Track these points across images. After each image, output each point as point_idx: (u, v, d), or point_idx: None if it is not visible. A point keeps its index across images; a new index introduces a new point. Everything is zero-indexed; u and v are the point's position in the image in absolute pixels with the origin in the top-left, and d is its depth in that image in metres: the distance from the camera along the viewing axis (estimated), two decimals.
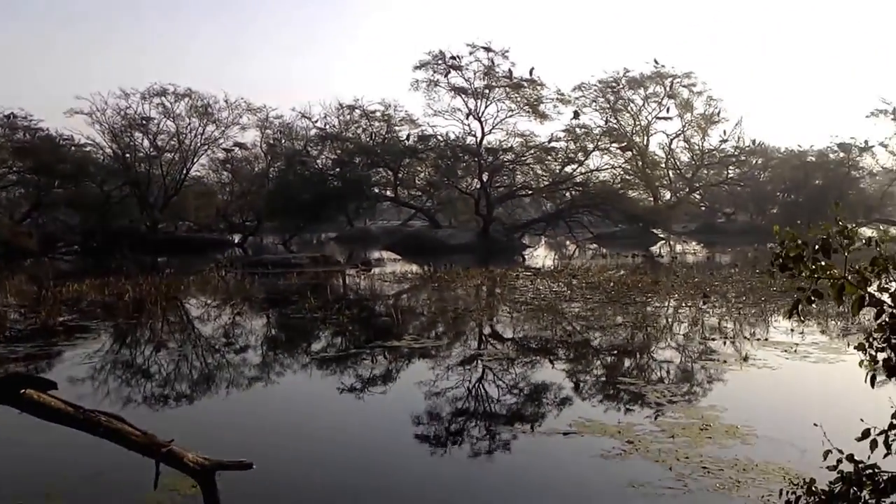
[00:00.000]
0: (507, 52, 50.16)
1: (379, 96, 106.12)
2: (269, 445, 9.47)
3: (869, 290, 4.79)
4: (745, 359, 14.24)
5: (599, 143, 53.07)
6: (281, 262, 35.68)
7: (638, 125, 66.97)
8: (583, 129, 53.44)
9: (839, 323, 18.43)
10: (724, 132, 66.71)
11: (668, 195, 67.84)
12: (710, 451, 9.08)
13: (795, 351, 15.00)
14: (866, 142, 64.15)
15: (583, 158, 52.16)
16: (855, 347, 5.13)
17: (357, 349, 15.97)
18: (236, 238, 54.44)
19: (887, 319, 4.79)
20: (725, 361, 14.10)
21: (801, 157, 66.10)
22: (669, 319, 19.77)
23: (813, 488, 5.21)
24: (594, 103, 64.54)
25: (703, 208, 71.90)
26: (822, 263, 4.86)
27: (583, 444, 9.49)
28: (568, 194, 51.56)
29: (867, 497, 4.92)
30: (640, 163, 61.03)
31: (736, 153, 66.98)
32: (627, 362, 14.73)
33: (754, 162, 68.89)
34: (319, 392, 12.97)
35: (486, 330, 18.74)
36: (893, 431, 4.88)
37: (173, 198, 52.70)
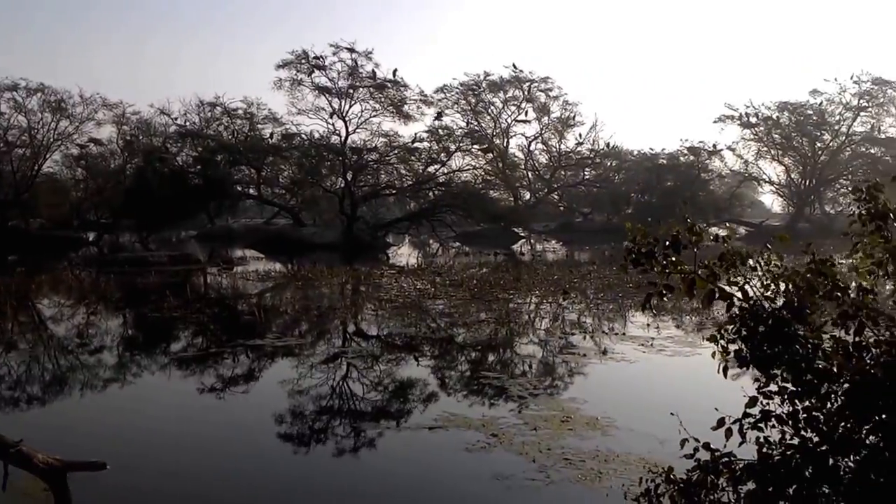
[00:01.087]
0: (370, 53, 50.43)
1: (242, 94, 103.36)
2: (125, 448, 9.02)
3: (719, 284, 4.95)
4: (604, 352, 14.66)
5: (461, 144, 53.86)
6: (139, 261, 34.33)
7: (498, 127, 68.24)
8: (445, 131, 54.01)
9: (693, 318, 19.30)
10: (581, 135, 68.76)
11: (527, 195, 69.44)
12: (572, 442, 9.25)
13: (652, 345, 15.57)
14: (714, 145, 67.57)
15: (445, 159, 52.68)
16: (707, 339, 5.31)
17: (218, 348, 15.47)
18: (91, 236, 52.05)
19: (738, 312, 4.96)
20: (585, 355, 14.47)
21: (654, 159, 68.87)
22: (531, 315, 20.14)
23: (672, 476, 5.33)
24: (456, 105, 65.35)
25: (562, 208, 73.86)
26: (673, 259, 5.00)
27: (448, 439, 9.50)
28: (431, 194, 51.88)
29: (724, 484, 5.07)
30: (501, 164, 62.18)
31: (591, 155, 69.16)
32: (491, 357, 14.89)
33: (609, 164, 71.32)
34: (179, 392, 12.45)
35: (351, 328, 18.57)
36: (748, 420, 5.05)
37: (24, 194, 50.42)
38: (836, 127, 67.27)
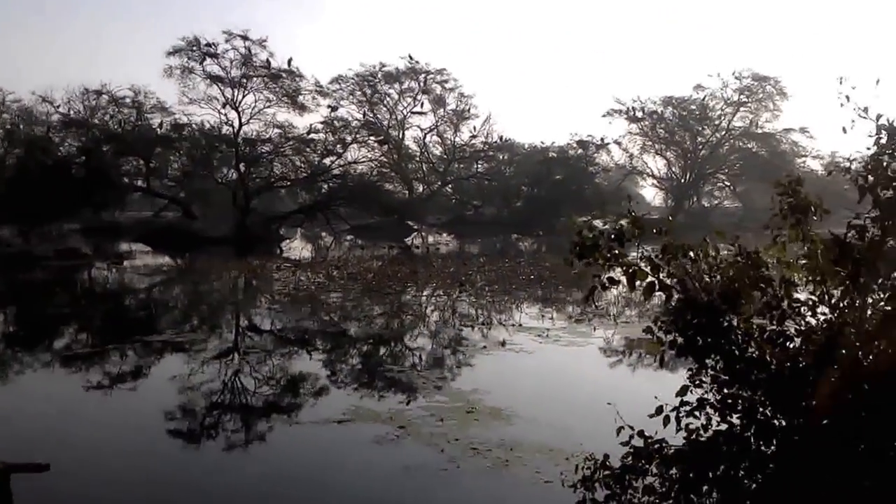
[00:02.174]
0: (264, 41, 49.20)
1: (130, 82, 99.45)
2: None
3: (659, 276, 5.21)
4: (503, 344, 14.99)
5: (357, 136, 53.52)
6: (20, 256, 32.80)
7: (394, 119, 68.10)
8: (341, 122, 53.60)
9: (585, 309, 19.88)
10: (475, 128, 69.30)
11: (421, 188, 69.63)
12: (478, 432, 9.48)
13: (548, 335, 16.02)
14: (602, 139, 69.39)
15: (341, 151, 52.31)
16: (643, 330, 5.57)
17: (106, 345, 15.01)
18: None
19: (675, 303, 5.23)
20: (485, 347, 14.76)
21: (544, 153, 70.08)
22: (429, 308, 20.38)
23: (607, 463, 5.59)
24: (352, 96, 64.76)
25: (454, 201, 74.40)
26: (616, 252, 5.25)
27: (357, 431, 9.58)
28: (326, 186, 51.46)
29: (654, 469, 5.36)
30: (397, 156, 62.17)
31: (485, 148, 69.88)
32: (393, 351, 15.03)
33: (501, 157, 72.18)
34: (63, 391, 12.05)
35: (245, 322, 18.35)
36: (685, 408, 5.33)
37: None
38: (717, 122, 70.17)
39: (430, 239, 54.37)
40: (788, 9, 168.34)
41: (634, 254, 5.45)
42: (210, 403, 11.14)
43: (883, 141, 5.17)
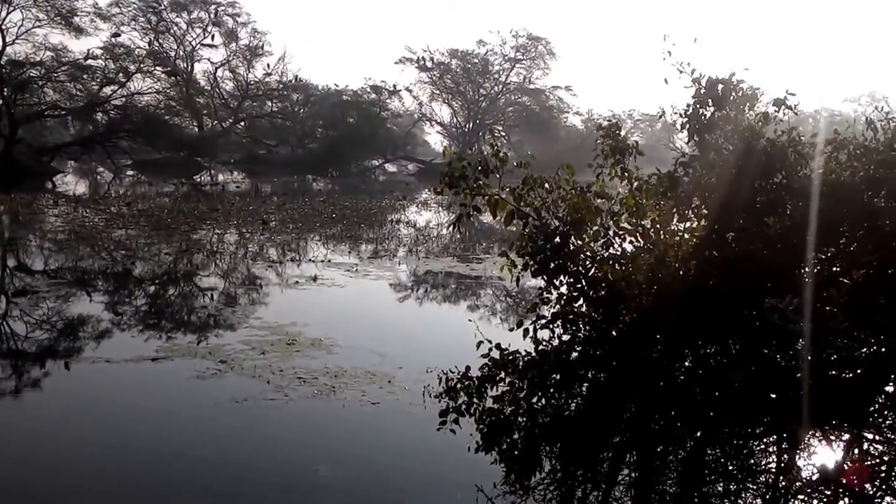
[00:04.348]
0: None
1: None
2: None
3: (519, 206, 5.59)
4: (315, 279, 15.08)
5: (142, 66, 50.46)
6: None
7: (182, 50, 64.87)
8: (123, 49, 50.27)
9: (390, 245, 20.33)
10: (269, 66, 67.60)
11: (212, 124, 67.16)
12: (301, 362, 9.59)
13: (357, 270, 16.30)
14: (395, 86, 70.53)
15: (123, 80, 49.11)
16: (499, 254, 5.96)
17: None
18: None
19: (531, 230, 5.63)
20: (297, 282, 14.79)
21: (339, 95, 70.06)
22: (236, 246, 19.99)
23: (468, 374, 5.96)
24: (135, 22, 60.81)
25: (247, 140, 72.48)
26: (480, 182, 5.54)
27: (176, 368, 9.37)
28: (106, 117, 48.29)
29: (507, 377, 5.80)
30: (185, 90, 59.43)
31: (279, 87, 68.39)
32: (205, 288, 14.63)
33: (296, 98, 71.08)
34: None
35: (13, 263, 17.11)
36: (542, 321, 5.76)
37: None
38: (496, 76, 75.88)
39: (221, 178, 52.76)
40: None
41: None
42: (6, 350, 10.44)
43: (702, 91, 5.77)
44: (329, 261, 17.34)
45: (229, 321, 11.80)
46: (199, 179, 49.05)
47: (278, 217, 25.77)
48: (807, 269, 5.49)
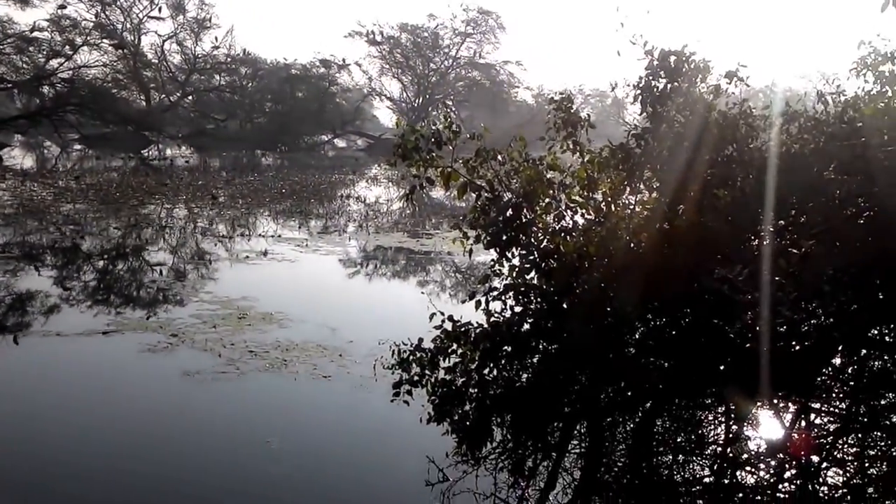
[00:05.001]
0: None
1: None
2: None
3: (472, 178, 5.57)
4: (265, 253, 14.94)
5: (89, 38, 49.14)
6: None
7: (129, 22, 63.33)
8: (70, 21, 48.92)
9: (339, 220, 20.22)
10: (217, 39, 66.35)
11: (160, 98, 65.83)
12: (253, 336, 9.52)
13: (307, 245, 16.19)
14: (344, 60, 69.70)
15: (70, 53, 47.82)
16: (452, 227, 5.93)
17: None
18: None
19: (483, 202, 5.61)
20: (248, 257, 14.63)
21: (288, 69, 69.07)
22: (186, 220, 19.66)
23: (421, 346, 5.95)
24: None
25: (195, 114, 71.24)
26: (433, 155, 5.51)
27: (126, 341, 9.24)
28: (53, 90, 46.99)
29: (459, 349, 5.80)
30: (133, 63, 58.08)
31: (227, 61, 67.23)
32: (153, 262, 14.34)
33: (244, 72, 69.89)
34: None
35: None
36: (494, 293, 5.76)
37: None
38: (446, 51, 75.07)
39: (169, 152, 51.85)
40: None
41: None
42: None
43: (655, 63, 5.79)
44: (279, 236, 17.19)
45: (180, 295, 11.64)
46: (147, 154, 48.17)
47: (227, 192, 25.42)
48: (757, 241, 5.59)
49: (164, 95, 65.24)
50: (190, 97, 66.43)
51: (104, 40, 50.76)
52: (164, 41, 64.99)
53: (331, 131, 70.13)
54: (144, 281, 12.77)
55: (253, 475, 6.04)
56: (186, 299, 11.38)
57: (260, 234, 17.33)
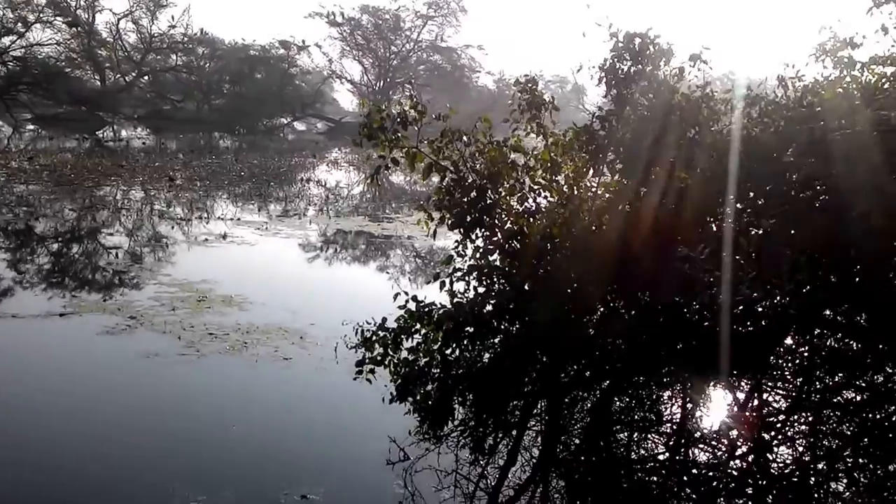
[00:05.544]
0: None
1: None
2: None
3: (437, 159, 5.57)
4: (224, 236, 14.81)
5: (42, 15, 48.09)
6: None
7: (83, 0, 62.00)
8: None
9: (301, 204, 20.10)
10: (173, 17, 65.37)
11: (115, 78, 64.60)
12: (213, 319, 9.45)
13: (267, 228, 16.08)
14: (304, 41, 68.82)
15: (23, 30, 46.74)
16: (416, 208, 5.94)
17: None
18: None
19: (448, 183, 5.63)
20: (207, 240, 14.51)
21: (246, 50, 68.14)
22: (143, 202, 19.37)
23: (384, 325, 5.96)
24: None
25: (151, 95, 70.05)
26: (399, 135, 5.50)
27: (85, 323, 9.14)
28: (5, 69, 45.97)
29: (422, 329, 5.83)
30: (87, 41, 56.90)
31: (184, 40, 66.15)
32: (110, 245, 14.15)
33: (202, 52, 68.82)
34: None
35: None
36: (458, 273, 5.80)
37: None
38: (408, 33, 74.50)
39: (125, 133, 50.97)
40: None
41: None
42: None
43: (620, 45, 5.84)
44: (238, 219, 17.06)
45: (137, 278, 11.50)
46: (102, 135, 47.24)
47: (185, 174, 25.08)
48: (718, 222, 5.69)
49: (119, 75, 63.95)
50: (146, 77, 65.28)
51: (57, 18, 49.69)
52: (119, 19, 63.62)
53: (290, 114, 69.38)
54: (101, 263, 12.61)
55: (213, 457, 6.02)
56: (144, 282, 11.24)
57: (219, 217, 17.16)
